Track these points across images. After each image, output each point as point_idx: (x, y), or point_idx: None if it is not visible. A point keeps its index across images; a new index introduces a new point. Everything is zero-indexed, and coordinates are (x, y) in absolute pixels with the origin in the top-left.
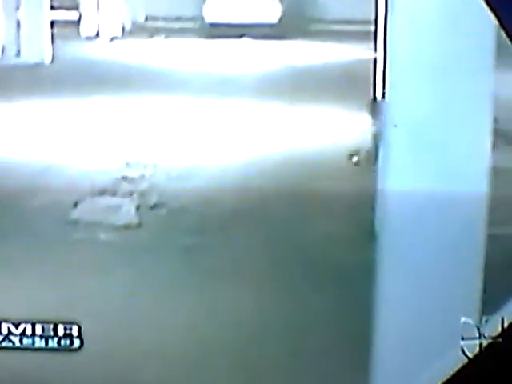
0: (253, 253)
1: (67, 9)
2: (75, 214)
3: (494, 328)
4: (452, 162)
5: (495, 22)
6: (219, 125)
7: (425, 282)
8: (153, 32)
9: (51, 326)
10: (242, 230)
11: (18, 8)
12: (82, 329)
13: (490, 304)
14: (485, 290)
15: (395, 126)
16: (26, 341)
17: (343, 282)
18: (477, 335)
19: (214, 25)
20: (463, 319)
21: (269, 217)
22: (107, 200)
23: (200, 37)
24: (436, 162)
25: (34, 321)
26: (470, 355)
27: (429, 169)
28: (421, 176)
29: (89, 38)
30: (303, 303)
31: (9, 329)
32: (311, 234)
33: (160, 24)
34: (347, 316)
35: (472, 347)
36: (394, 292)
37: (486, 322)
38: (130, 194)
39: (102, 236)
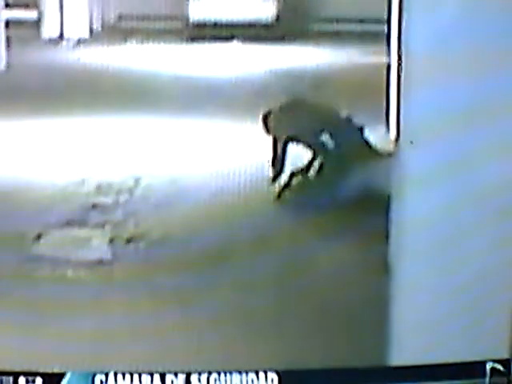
0: (247, 293)
1: (25, 6)
2: (37, 248)
3: None
4: (478, 181)
5: None
6: (206, 142)
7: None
8: (127, 33)
9: (11, 379)
10: (234, 265)
11: None
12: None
13: None
14: None
15: (411, 142)
16: None
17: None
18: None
19: (199, 25)
20: (490, 364)
21: (267, 251)
22: (75, 232)
23: (183, 39)
24: (458, 184)
25: None
26: None
27: (450, 190)
28: (441, 196)
29: (51, 41)
30: (303, 353)
31: None
32: (318, 267)
33: (136, 24)
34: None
35: None
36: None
37: None
38: (102, 224)
39: (69, 274)
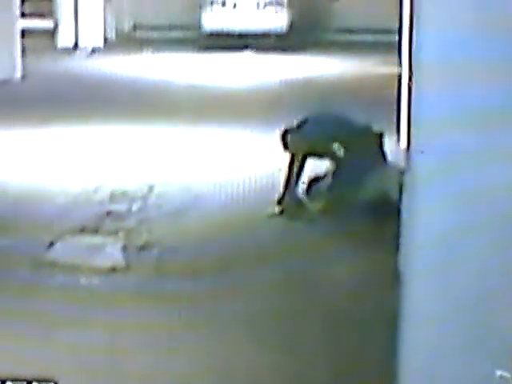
0: (256, 300)
1: (40, 16)
2: (51, 255)
3: None
4: (488, 195)
5: None
6: (218, 151)
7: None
8: (142, 43)
9: None
10: (244, 272)
11: None
12: None
13: None
14: None
15: (422, 152)
16: None
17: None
18: None
19: (213, 34)
20: (499, 372)
21: (274, 258)
22: (88, 239)
23: (197, 48)
24: (470, 195)
25: (5, 379)
26: None
27: (461, 201)
28: (452, 210)
29: (66, 50)
30: (310, 361)
31: None
32: (324, 275)
33: (150, 33)
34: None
35: None
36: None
37: None
38: (116, 231)
39: (83, 281)
